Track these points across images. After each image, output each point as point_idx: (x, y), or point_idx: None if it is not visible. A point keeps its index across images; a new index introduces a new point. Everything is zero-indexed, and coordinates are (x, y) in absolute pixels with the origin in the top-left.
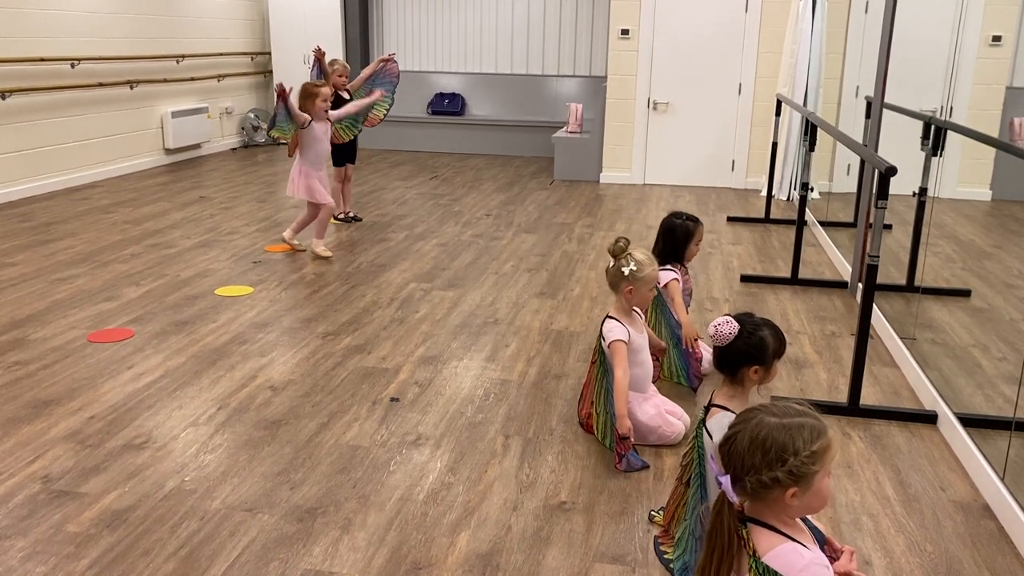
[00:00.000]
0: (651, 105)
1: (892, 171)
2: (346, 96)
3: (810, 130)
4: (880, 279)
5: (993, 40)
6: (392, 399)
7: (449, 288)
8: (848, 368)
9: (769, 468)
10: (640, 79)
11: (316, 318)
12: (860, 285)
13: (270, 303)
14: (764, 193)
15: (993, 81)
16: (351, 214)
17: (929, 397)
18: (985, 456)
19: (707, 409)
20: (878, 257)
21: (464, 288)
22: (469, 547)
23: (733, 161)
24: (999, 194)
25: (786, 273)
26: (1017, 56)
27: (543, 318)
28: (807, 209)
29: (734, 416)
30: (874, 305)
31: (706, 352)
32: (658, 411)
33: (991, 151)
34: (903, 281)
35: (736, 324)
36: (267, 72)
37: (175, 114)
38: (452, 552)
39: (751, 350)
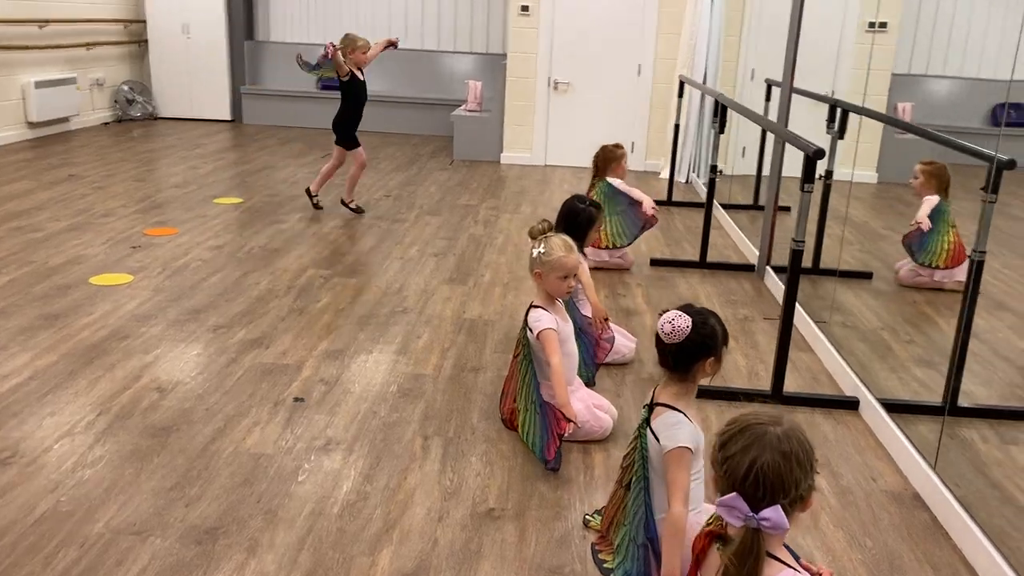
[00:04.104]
0: (552, 84)
1: (820, 154)
2: (360, 77)
3: (720, 112)
4: (784, 261)
5: (878, 26)
6: (296, 399)
7: (351, 275)
8: (765, 353)
9: (806, 477)
10: (540, 58)
11: (205, 309)
12: (768, 268)
13: (153, 293)
14: (664, 175)
15: (879, 67)
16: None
17: (848, 382)
18: (914, 444)
19: (650, 408)
20: (803, 242)
21: (367, 275)
22: (392, 566)
23: (633, 143)
24: (884, 176)
25: (693, 256)
26: (901, 43)
27: (455, 306)
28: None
29: (682, 415)
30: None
31: (626, 339)
32: (586, 405)
33: (878, 135)
34: (809, 264)
35: (688, 317)
36: (142, 41)
37: (39, 84)
38: (374, 572)
39: (706, 341)
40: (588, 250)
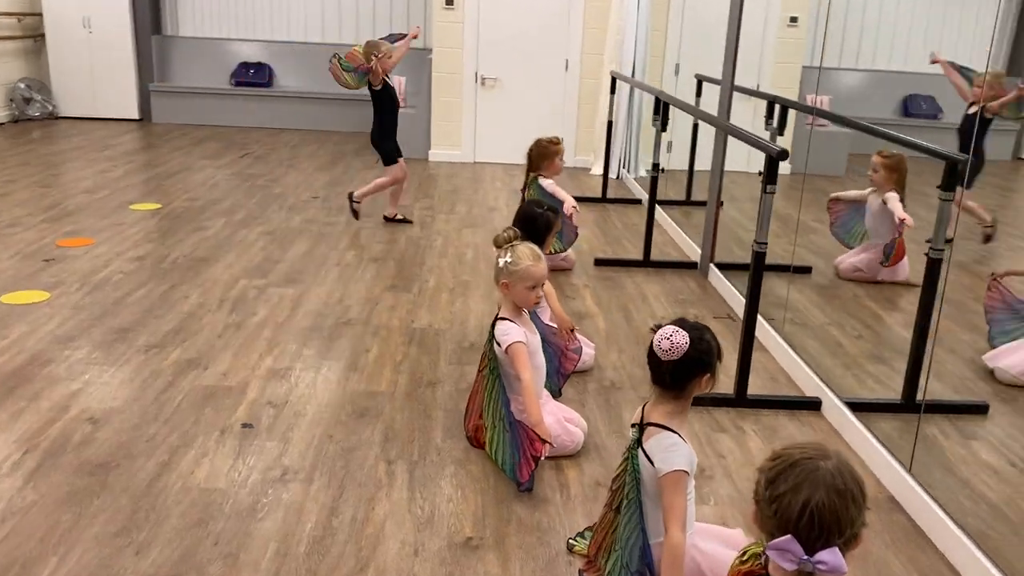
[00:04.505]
0: (479, 80)
1: (784, 155)
2: (391, 83)
3: (663, 110)
4: (725, 257)
5: (791, 21)
6: (244, 425)
7: (287, 284)
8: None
9: (860, 514)
10: (467, 53)
11: (134, 327)
12: (712, 265)
13: (73, 311)
14: (595, 171)
15: (791, 60)
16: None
17: (806, 381)
18: (885, 446)
19: (641, 428)
20: (766, 244)
21: (305, 283)
22: None
23: (562, 139)
24: (796, 167)
25: (634, 254)
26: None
27: (401, 315)
28: (641, 188)
29: (676, 436)
30: (731, 286)
31: (586, 346)
32: (556, 419)
33: (789, 126)
34: (747, 260)
35: (685, 333)
36: (38, 36)
37: None
38: None
39: (703, 357)
40: None
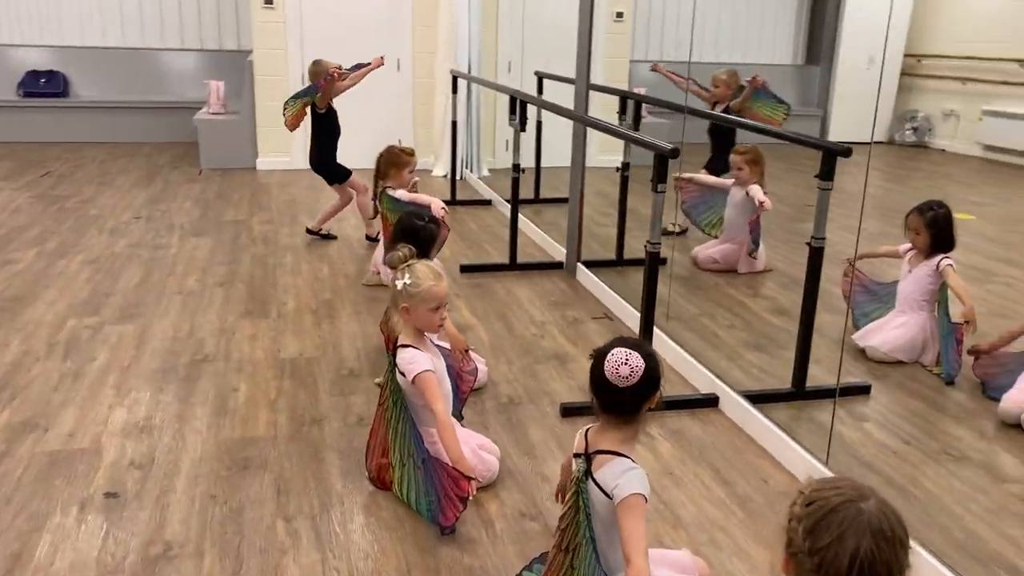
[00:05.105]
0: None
1: (675, 153)
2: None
3: (520, 109)
4: (587, 255)
5: (617, 16)
6: (107, 494)
7: (125, 320)
8: None
9: (907, 556)
10: (291, 54)
11: None
12: (580, 264)
13: None
14: (436, 173)
15: (619, 55)
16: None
17: (697, 377)
18: (795, 438)
19: (588, 458)
20: (659, 244)
21: (145, 317)
22: None
23: (400, 140)
24: (633, 160)
25: (498, 258)
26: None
27: (265, 345)
28: (488, 187)
29: (630, 461)
30: (601, 283)
31: (478, 363)
32: (470, 449)
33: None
34: (612, 255)
35: (637, 354)
36: None
37: None
38: None
39: (655, 373)
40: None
